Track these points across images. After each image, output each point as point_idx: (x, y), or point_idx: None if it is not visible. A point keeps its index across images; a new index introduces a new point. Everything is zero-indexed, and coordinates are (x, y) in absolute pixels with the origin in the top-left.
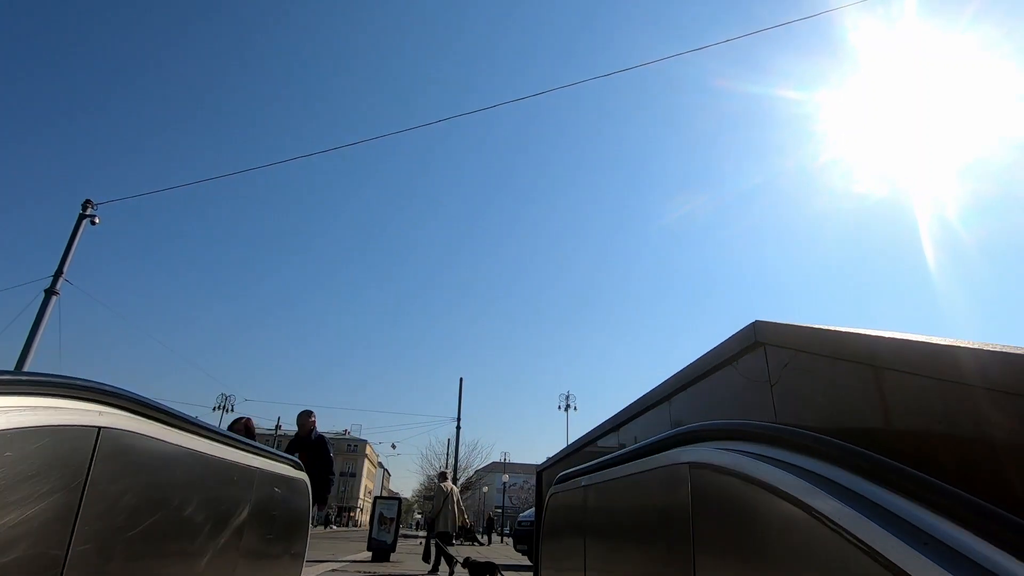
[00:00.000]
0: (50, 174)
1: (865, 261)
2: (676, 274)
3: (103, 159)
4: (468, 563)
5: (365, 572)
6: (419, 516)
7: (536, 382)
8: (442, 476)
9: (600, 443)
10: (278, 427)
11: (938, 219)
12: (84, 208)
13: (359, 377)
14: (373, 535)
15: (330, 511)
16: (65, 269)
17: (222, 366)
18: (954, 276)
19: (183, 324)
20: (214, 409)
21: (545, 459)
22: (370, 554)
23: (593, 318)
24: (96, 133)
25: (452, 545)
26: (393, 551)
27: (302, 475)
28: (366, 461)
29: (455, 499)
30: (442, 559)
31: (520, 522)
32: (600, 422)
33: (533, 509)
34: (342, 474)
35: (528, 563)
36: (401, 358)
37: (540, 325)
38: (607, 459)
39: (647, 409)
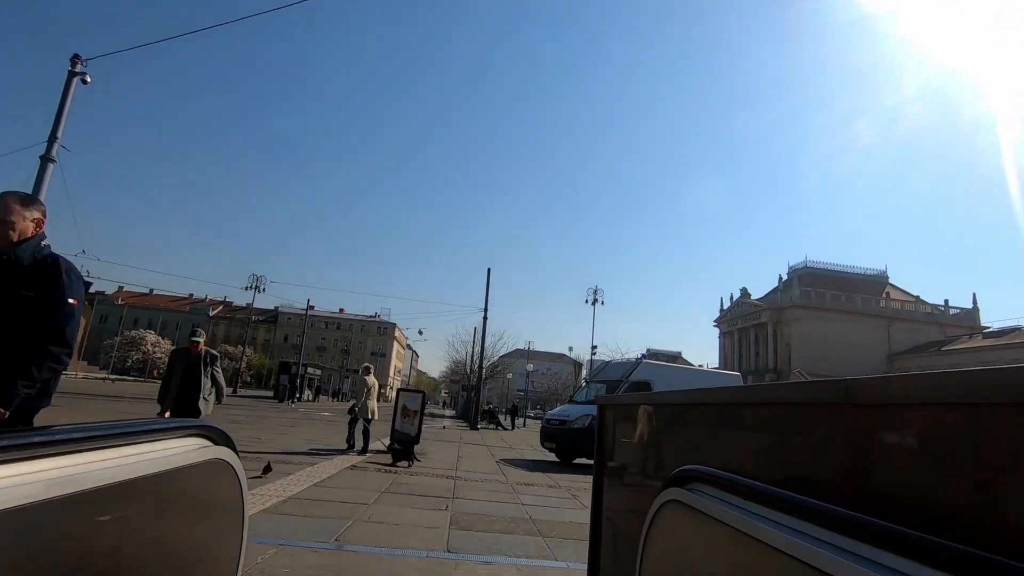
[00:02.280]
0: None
1: None
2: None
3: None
4: (391, 447)
5: (384, 466)
6: (446, 395)
7: (564, 275)
8: (365, 370)
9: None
10: (310, 308)
11: None
12: (73, 64)
13: (389, 263)
14: (396, 427)
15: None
16: (59, 134)
17: (249, 247)
18: None
19: (207, 202)
20: (245, 289)
21: (568, 348)
22: (413, 451)
23: (628, 216)
24: None
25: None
26: (416, 443)
27: (219, 452)
28: (395, 343)
29: (375, 392)
30: (365, 439)
31: (548, 420)
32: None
33: (563, 407)
34: (372, 353)
35: (554, 459)
36: (431, 247)
37: (572, 219)
38: None
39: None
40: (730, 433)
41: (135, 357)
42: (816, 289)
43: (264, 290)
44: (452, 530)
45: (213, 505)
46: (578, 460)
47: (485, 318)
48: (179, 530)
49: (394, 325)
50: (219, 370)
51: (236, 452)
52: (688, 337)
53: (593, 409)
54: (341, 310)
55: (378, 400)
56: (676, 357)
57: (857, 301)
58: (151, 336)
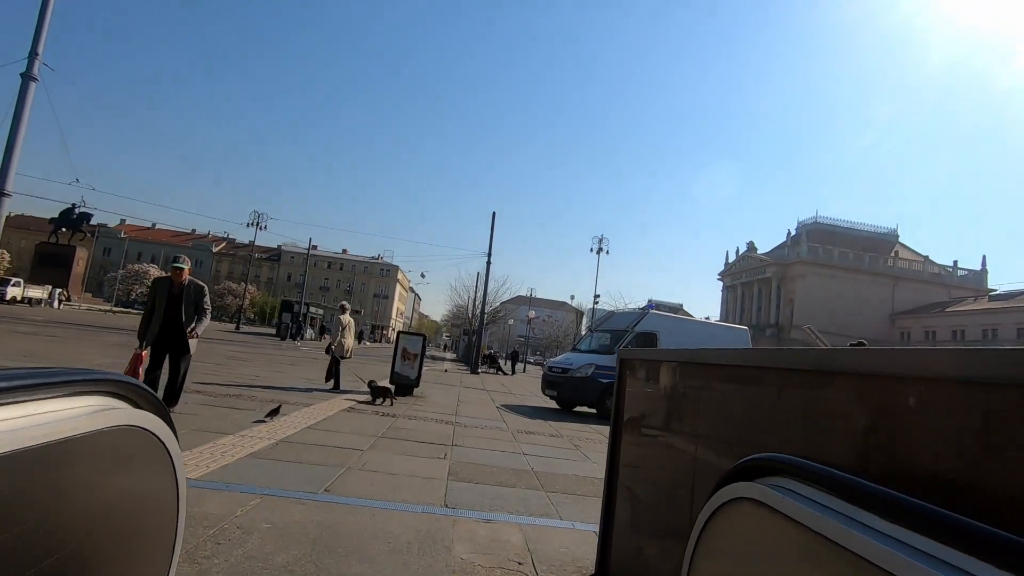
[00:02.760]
0: None
1: None
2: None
3: None
4: (371, 385)
5: (382, 411)
6: (447, 337)
7: (569, 225)
8: (342, 309)
9: None
10: (311, 248)
11: None
12: None
13: (394, 205)
14: (396, 369)
15: (364, 329)
16: (40, 50)
17: (252, 184)
18: None
19: (210, 137)
20: (247, 225)
21: (569, 296)
22: (392, 388)
23: (633, 164)
24: None
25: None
26: (416, 386)
27: (134, 417)
28: (398, 286)
29: (352, 330)
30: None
31: (550, 368)
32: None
33: (565, 355)
34: (375, 295)
35: (555, 406)
36: (436, 191)
37: (578, 166)
38: None
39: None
40: (818, 412)
41: (139, 291)
42: (824, 245)
43: (265, 227)
44: (450, 482)
45: (127, 492)
46: (578, 408)
47: (488, 263)
48: (71, 527)
49: (397, 267)
50: (206, 306)
51: (167, 416)
52: (690, 290)
53: (596, 359)
54: (344, 251)
55: (356, 339)
56: (677, 309)
57: (865, 259)
58: (154, 270)
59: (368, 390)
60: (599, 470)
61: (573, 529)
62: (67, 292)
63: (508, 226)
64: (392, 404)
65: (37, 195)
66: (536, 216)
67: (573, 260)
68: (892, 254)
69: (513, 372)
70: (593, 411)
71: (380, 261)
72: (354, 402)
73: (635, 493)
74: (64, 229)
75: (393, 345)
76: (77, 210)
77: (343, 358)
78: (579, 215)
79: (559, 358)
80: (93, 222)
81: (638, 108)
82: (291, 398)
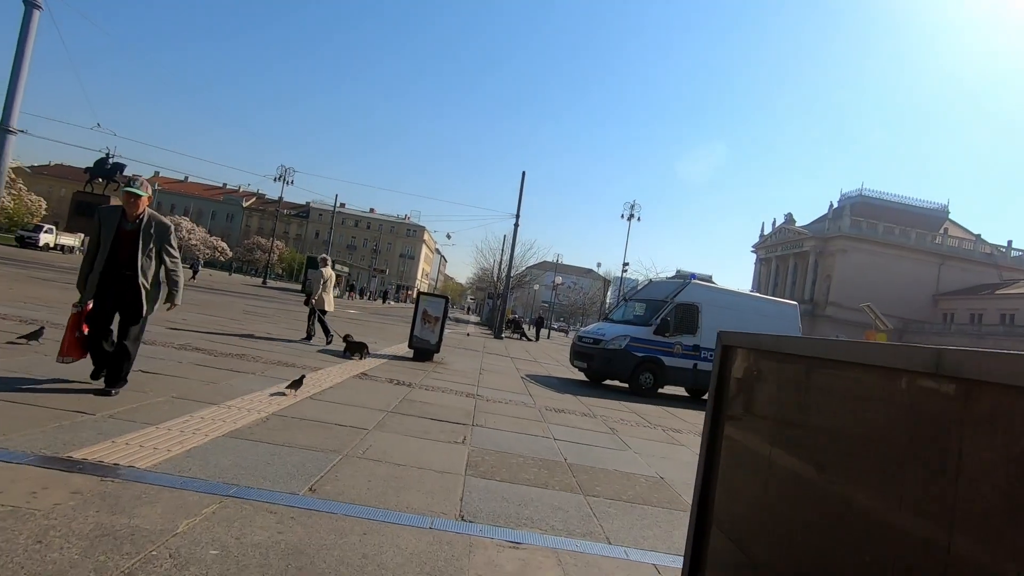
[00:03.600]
0: None
1: None
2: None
3: None
4: (347, 339)
5: (394, 379)
6: (471, 300)
7: (596, 192)
8: (323, 261)
9: None
10: (339, 206)
11: None
12: None
13: (422, 164)
14: (415, 333)
15: (389, 288)
16: None
17: (280, 138)
18: None
19: (243, 90)
20: (274, 180)
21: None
22: (411, 352)
23: (669, 132)
24: None
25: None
26: (437, 351)
27: None
28: (424, 246)
29: (332, 283)
30: (314, 329)
31: (581, 338)
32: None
33: (597, 325)
34: (401, 255)
35: (582, 378)
36: (465, 151)
37: (611, 132)
38: None
39: None
40: None
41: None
42: (868, 220)
43: (292, 182)
44: (468, 478)
45: None
46: (608, 382)
47: (516, 224)
48: None
49: (423, 228)
50: (175, 253)
51: None
52: (721, 262)
53: (631, 330)
54: (372, 210)
55: (337, 293)
56: (707, 280)
57: (911, 236)
58: (186, 223)
59: (344, 344)
60: (643, 464)
61: (627, 561)
62: None
63: (536, 191)
64: (363, 359)
65: (66, 141)
66: (564, 182)
67: (599, 228)
68: (941, 231)
69: (537, 338)
70: (625, 386)
71: (407, 221)
72: (366, 367)
73: (748, 528)
74: (100, 179)
75: (413, 307)
76: (110, 160)
77: (324, 312)
78: (608, 182)
79: (590, 328)
80: (125, 172)
81: (680, 73)
82: (301, 360)
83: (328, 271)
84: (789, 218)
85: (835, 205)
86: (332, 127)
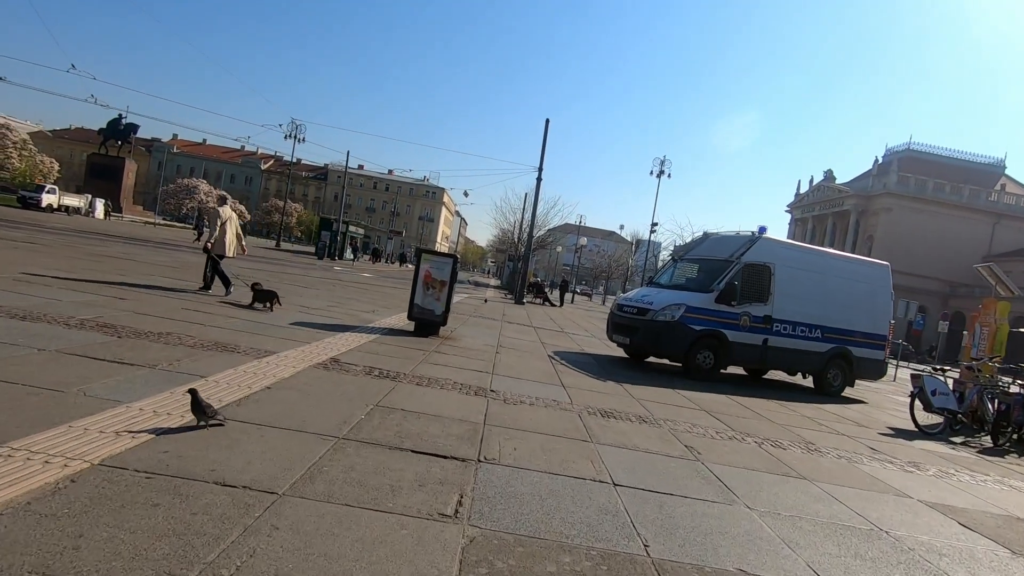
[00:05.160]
0: None
1: None
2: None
3: None
4: (254, 288)
5: (375, 369)
6: (492, 263)
7: (620, 149)
8: (221, 200)
9: None
10: (353, 168)
11: None
12: None
13: (440, 117)
14: (416, 301)
15: (408, 251)
16: None
17: (296, 98)
18: None
19: (245, 42)
20: (285, 138)
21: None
22: (412, 325)
23: (695, 84)
24: None
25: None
26: (443, 324)
27: None
28: (443, 209)
29: (235, 225)
30: (221, 279)
31: (622, 307)
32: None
33: (641, 291)
34: (420, 218)
35: (621, 353)
36: (483, 103)
37: (635, 82)
38: None
39: None
40: None
41: (189, 205)
42: (917, 175)
43: (304, 140)
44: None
45: None
46: (652, 359)
47: (539, 178)
48: None
49: (443, 190)
50: None
51: None
52: (750, 225)
53: (685, 297)
54: (390, 171)
55: (239, 237)
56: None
57: (963, 192)
58: (204, 185)
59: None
60: (780, 546)
61: None
62: (110, 203)
63: (556, 151)
64: (272, 310)
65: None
66: (586, 140)
67: (622, 189)
68: (997, 188)
69: (561, 303)
70: (677, 365)
71: (426, 183)
72: (363, 336)
73: None
74: (115, 141)
75: (413, 270)
76: (123, 121)
77: (221, 257)
78: (632, 140)
79: (633, 294)
80: (147, 136)
81: (703, 20)
82: (269, 342)
83: (226, 210)
84: (829, 175)
85: (880, 160)
86: (349, 85)
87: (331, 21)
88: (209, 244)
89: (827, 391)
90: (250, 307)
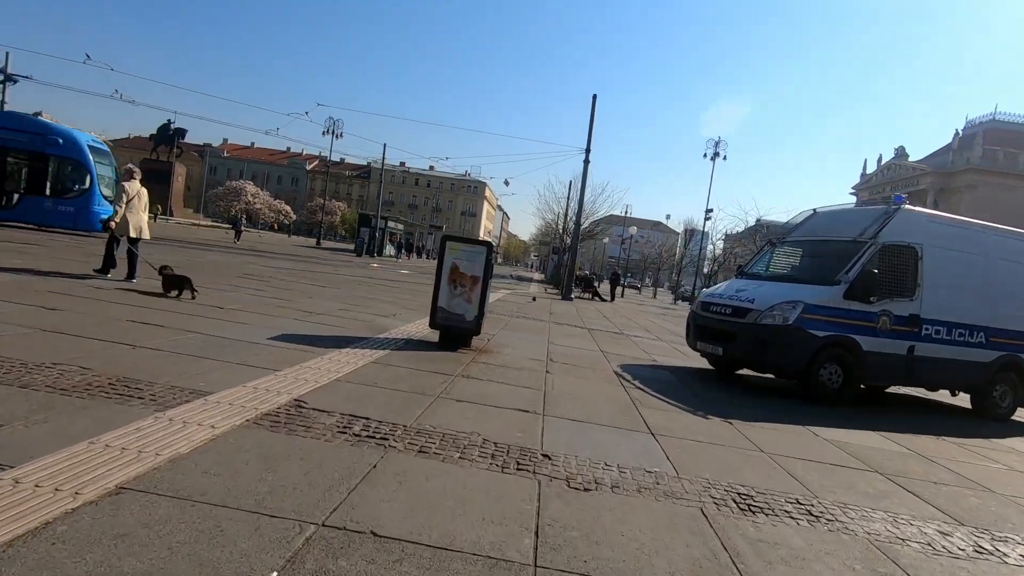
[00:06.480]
0: None
1: None
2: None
3: None
4: (163, 272)
5: (356, 419)
6: (535, 257)
7: (669, 137)
8: (128, 173)
9: None
10: (400, 165)
11: None
12: None
13: (476, 101)
14: (441, 304)
15: (421, 243)
16: None
17: (334, 96)
18: None
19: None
20: (323, 134)
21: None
22: (436, 334)
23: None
24: None
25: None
26: (476, 332)
27: None
28: (485, 203)
29: (144, 201)
30: (131, 264)
31: (709, 305)
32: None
33: (734, 284)
34: (463, 213)
35: (704, 363)
36: (524, 79)
37: (683, 64)
38: None
39: None
40: None
41: (237, 207)
42: (1006, 149)
43: (341, 135)
44: None
45: None
46: (746, 370)
47: (587, 160)
48: None
49: (485, 184)
50: None
51: None
52: (805, 207)
53: (799, 292)
54: (431, 167)
55: (150, 216)
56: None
57: None
58: (250, 187)
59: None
60: None
61: None
62: (159, 206)
63: (598, 137)
64: (194, 298)
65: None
66: (630, 128)
67: (668, 178)
68: None
69: (612, 298)
70: (792, 382)
71: (468, 178)
72: (372, 352)
73: None
74: (165, 146)
75: (436, 263)
76: (172, 126)
77: (122, 236)
78: (680, 126)
79: (722, 289)
80: (199, 141)
81: None
82: (262, 351)
83: (134, 185)
84: (900, 152)
85: (960, 134)
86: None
87: (361, 10)
88: (113, 224)
89: (991, 414)
90: (164, 296)
